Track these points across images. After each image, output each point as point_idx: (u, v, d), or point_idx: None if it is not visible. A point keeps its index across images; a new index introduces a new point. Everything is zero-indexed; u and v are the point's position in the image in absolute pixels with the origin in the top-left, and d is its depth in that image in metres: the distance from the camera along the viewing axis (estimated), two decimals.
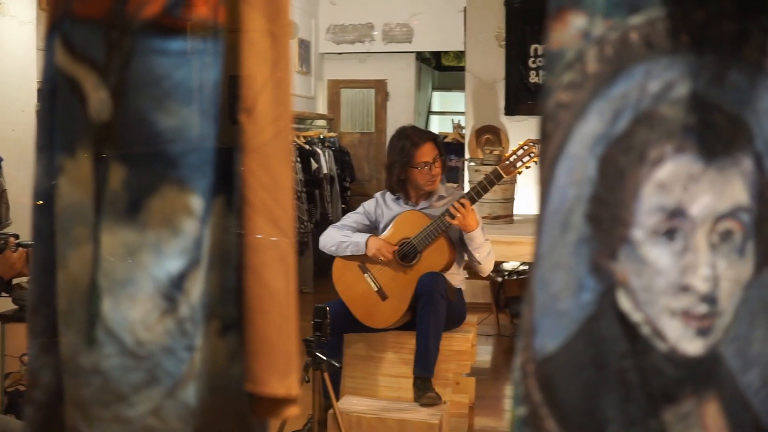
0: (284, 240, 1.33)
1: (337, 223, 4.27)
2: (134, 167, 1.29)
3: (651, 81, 0.77)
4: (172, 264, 1.28)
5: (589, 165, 0.81)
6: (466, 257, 4.25)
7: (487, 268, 4.10)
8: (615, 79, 0.79)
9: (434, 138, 4.21)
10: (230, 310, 1.33)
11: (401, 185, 4.14)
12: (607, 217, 0.80)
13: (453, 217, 3.91)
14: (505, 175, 4.06)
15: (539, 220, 0.87)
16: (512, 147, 6.24)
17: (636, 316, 0.79)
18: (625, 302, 0.80)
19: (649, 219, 0.78)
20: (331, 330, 3.44)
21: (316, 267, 7.95)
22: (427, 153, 4.08)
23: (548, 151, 0.85)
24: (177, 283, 1.28)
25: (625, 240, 0.79)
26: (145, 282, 1.28)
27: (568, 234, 0.82)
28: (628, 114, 0.78)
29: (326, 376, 3.40)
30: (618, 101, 0.79)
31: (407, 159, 4.06)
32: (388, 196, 4.24)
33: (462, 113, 9.81)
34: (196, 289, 1.29)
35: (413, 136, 4.15)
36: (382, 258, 4.01)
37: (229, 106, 1.30)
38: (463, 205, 3.91)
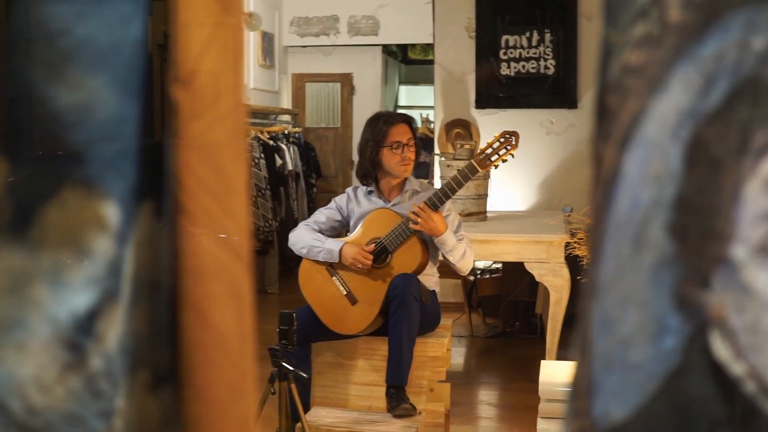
0: (236, 263, 0.97)
1: (308, 220, 4.03)
2: (21, 164, 0.94)
3: (756, 35, 0.54)
4: (77, 299, 0.92)
5: (672, 155, 0.57)
6: (441, 257, 4.03)
7: (465, 268, 3.88)
8: (706, 32, 0.55)
9: (408, 120, 4.00)
10: (163, 357, 0.97)
11: (373, 169, 3.90)
12: (697, 229, 0.56)
13: (416, 223, 3.70)
14: (480, 169, 3.83)
15: (596, 235, 0.62)
16: (484, 141, 6.04)
17: (737, 368, 0.55)
18: (721, 348, 0.56)
19: (754, 231, 0.54)
20: (298, 339, 3.21)
21: (282, 266, 7.72)
22: (400, 133, 3.87)
23: (611, 135, 0.61)
24: (85, 326, 0.92)
25: (721, 261, 0.55)
26: (39, 325, 0.92)
27: (643, 254, 0.58)
28: (725, 82, 0.55)
29: (293, 387, 3.19)
30: (711, 64, 0.55)
31: (380, 138, 3.84)
32: (360, 191, 4.01)
33: (430, 107, 9.61)
34: (114, 332, 0.93)
35: (387, 116, 3.98)
36: (359, 266, 3.78)
37: (158, 76, 0.96)
38: (422, 209, 3.69)
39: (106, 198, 0.93)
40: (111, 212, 0.93)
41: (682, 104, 0.56)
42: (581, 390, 0.62)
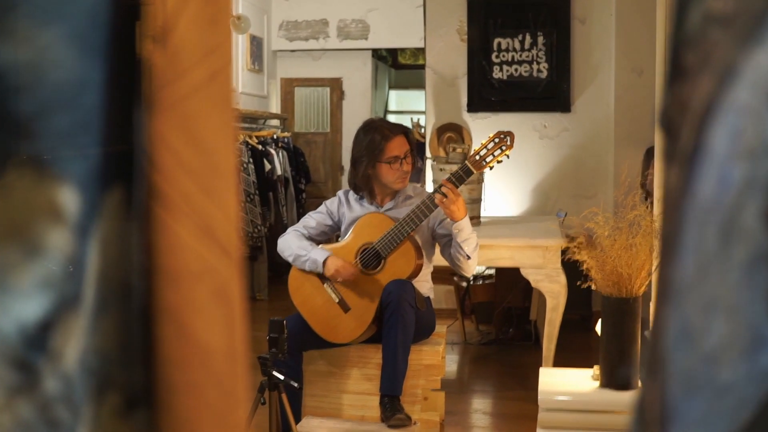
0: (223, 262, 0.79)
1: (297, 225, 3.91)
2: None
3: None
4: (26, 306, 0.73)
5: None
6: (434, 263, 3.92)
7: (474, 264, 3.76)
8: None
9: (406, 131, 3.86)
10: (136, 377, 0.78)
11: (366, 182, 3.78)
12: None
13: (443, 198, 3.54)
14: (475, 171, 3.72)
15: (671, 226, 0.51)
16: (476, 145, 5.94)
17: None
18: None
19: None
20: (289, 348, 3.10)
21: (271, 272, 7.60)
22: (398, 147, 3.74)
23: (689, 103, 0.50)
24: (36, 340, 0.72)
25: None
26: None
27: (733, 248, 0.47)
28: None
29: (284, 397, 3.08)
30: None
31: (377, 153, 3.71)
32: (352, 195, 3.89)
33: (420, 112, 9.53)
34: (73, 347, 0.74)
35: (383, 129, 3.79)
36: (340, 279, 3.67)
37: (126, 30, 0.75)
38: (451, 189, 3.57)
39: (62, 181, 0.74)
40: (68, 199, 0.74)
41: None
42: (653, 417, 0.50)
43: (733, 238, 0.47)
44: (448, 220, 3.69)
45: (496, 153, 3.79)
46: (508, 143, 3.79)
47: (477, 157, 3.77)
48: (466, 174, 3.69)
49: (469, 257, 3.68)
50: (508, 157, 3.81)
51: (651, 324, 0.55)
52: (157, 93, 0.76)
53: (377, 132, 3.74)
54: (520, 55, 6.52)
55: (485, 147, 3.80)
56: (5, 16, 0.72)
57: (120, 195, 0.77)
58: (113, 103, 0.76)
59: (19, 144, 0.73)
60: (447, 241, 3.76)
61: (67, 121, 0.74)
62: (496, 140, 3.80)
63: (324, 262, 3.68)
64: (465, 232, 3.64)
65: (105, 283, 0.76)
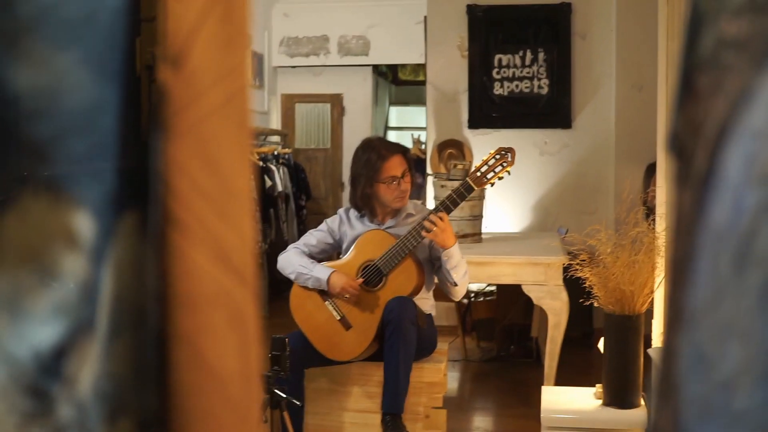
0: (239, 287, 0.78)
1: (298, 243, 3.90)
2: None
3: None
4: (41, 332, 0.72)
5: None
6: (435, 280, 3.90)
7: (462, 291, 3.76)
8: None
9: (403, 150, 3.86)
10: (149, 404, 0.77)
11: (366, 201, 3.77)
12: None
13: (429, 231, 3.56)
14: (476, 187, 3.72)
15: (684, 251, 0.50)
16: (476, 161, 5.94)
17: None
18: None
19: None
20: (291, 365, 3.08)
21: (271, 289, 7.57)
22: (395, 167, 3.73)
23: (702, 127, 0.49)
24: (51, 366, 0.72)
25: None
26: None
27: (748, 273, 0.46)
28: None
29: (286, 415, 3.06)
30: None
31: (373, 173, 3.71)
32: (353, 212, 3.89)
33: (420, 129, 9.53)
34: (87, 373, 0.73)
35: (380, 148, 3.79)
36: (347, 296, 3.66)
37: (142, 54, 0.74)
38: (440, 218, 3.57)
39: (78, 206, 0.74)
40: (83, 224, 0.74)
41: None
42: None
43: (747, 263, 0.46)
44: None
45: (497, 169, 3.78)
46: (509, 159, 3.78)
47: (478, 174, 3.76)
48: (468, 191, 3.68)
49: (456, 284, 3.68)
50: (509, 173, 3.80)
51: (662, 348, 0.54)
52: (173, 116, 0.75)
53: (374, 152, 3.74)
54: (521, 71, 6.53)
55: (486, 163, 3.79)
56: (22, 40, 0.71)
57: (135, 219, 0.76)
58: (129, 126, 0.75)
59: (35, 168, 0.72)
60: (439, 265, 3.76)
61: (83, 145, 0.73)
62: (497, 156, 3.79)
63: (328, 280, 3.67)
64: (454, 260, 3.65)
65: (119, 308, 0.75)
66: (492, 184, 3.83)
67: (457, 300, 4.01)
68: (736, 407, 0.46)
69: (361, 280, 3.68)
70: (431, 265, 3.85)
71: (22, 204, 0.73)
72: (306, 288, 3.76)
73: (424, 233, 3.58)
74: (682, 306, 0.50)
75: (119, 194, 0.75)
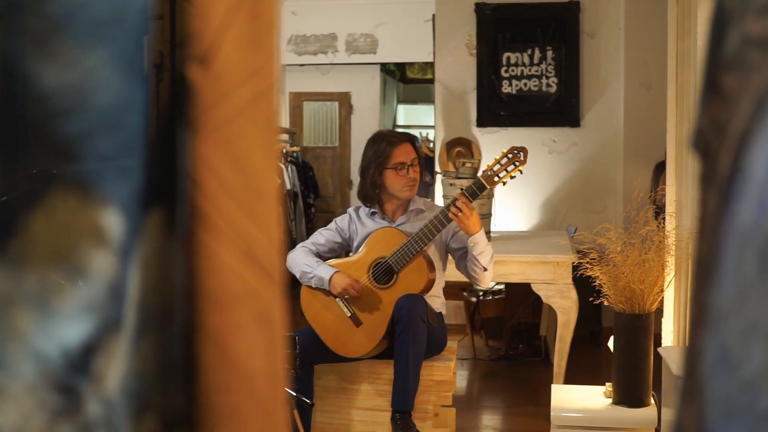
0: (266, 286, 0.79)
1: (307, 242, 3.91)
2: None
3: None
4: (69, 330, 0.73)
5: None
6: (444, 281, 3.91)
7: (490, 276, 3.74)
8: None
9: (412, 139, 3.89)
10: (176, 401, 0.77)
11: (376, 191, 3.78)
12: None
13: (455, 215, 3.54)
14: (488, 186, 3.72)
15: (709, 250, 0.51)
16: (485, 160, 5.93)
17: None
18: None
19: None
20: (300, 362, 3.09)
21: None
22: (404, 153, 3.75)
23: (727, 126, 0.49)
24: (79, 363, 0.73)
25: None
26: (22, 363, 0.72)
27: None
28: None
29: (296, 413, 3.07)
30: None
31: (383, 159, 3.73)
32: (363, 211, 3.90)
33: (428, 127, 9.53)
34: (115, 370, 0.74)
35: (389, 136, 3.86)
36: (347, 297, 3.67)
37: (170, 53, 0.75)
38: (465, 203, 3.57)
39: (106, 204, 0.74)
40: (111, 221, 0.74)
41: None
42: None
43: None
44: (461, 232, 3.68)
45: (509, 168, 3.78)
46: (522, 159, 3.78)
47: (490, 173, 3.76)
48: (480, 189, 3.68)
49: (485, 269, 3.67)
50: (521, 172, 3.79)
51: (686, 348, 0.55)
52: (201, 115, 0.76)
53: (383, 140, 3.80)
54: (530, 70, 6.53)
55: (498, 162, 3.78)
56: (51, 40, 0.72)
57: (162, 217, 0.76)
58: (156, 125, 0.76)
59: (63, 166, 0.73)
60: (462, 254, 3.75)
61: (111, 144, 0.74)
62: (510, 155, 3.78)
63: (330, 279, 3.68)
64: (480, 245, 3.63)
65: (146, 306, 0.75)
66: (504, 183, 3.83)
67: (485, 286, 3.99)
68: (761, 406, 0.46)
69: (369, 278, 3.68)
70: (443, 263, 3.85)
71: (51, 202, 0.73)
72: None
73: (452, 214, 3.56)
74: (707, 305, 0.50)
75: (147, 192, 0.76)
